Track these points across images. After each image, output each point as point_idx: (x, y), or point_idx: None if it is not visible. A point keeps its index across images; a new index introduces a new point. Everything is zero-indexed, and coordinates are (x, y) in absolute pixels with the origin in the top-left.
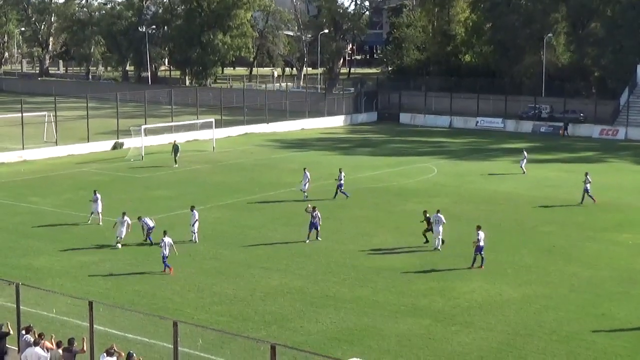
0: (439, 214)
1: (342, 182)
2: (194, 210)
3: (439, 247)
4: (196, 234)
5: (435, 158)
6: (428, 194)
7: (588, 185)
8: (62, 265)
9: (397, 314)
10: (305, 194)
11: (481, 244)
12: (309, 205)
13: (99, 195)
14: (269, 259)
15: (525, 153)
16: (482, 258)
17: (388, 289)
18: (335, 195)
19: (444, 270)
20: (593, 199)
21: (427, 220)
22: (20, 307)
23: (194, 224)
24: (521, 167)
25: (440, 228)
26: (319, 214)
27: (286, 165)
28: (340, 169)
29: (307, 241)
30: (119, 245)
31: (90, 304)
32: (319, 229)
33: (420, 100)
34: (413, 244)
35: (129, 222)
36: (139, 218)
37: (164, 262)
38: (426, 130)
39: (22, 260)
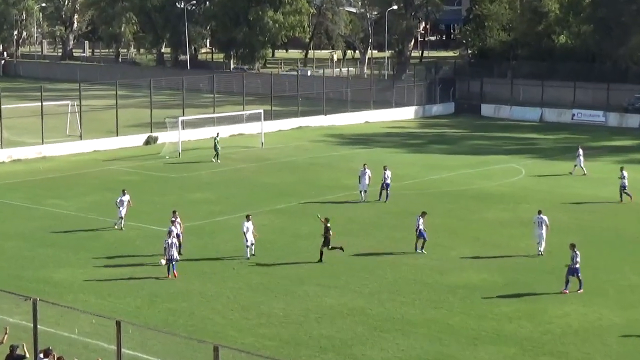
0: (541, 215)
1: (388, 181)
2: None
3: (542, 252)
4: (251, 247)
5: (522, 157)
6: (514, 199)
7: (625, 182)
8: (86, 279)
9: (476, 341)
10: (363, 195)
11: (577, 265)
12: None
13: (127, 197)
14: (325, 274)
15: (580, 150)
16: (580, 281)
17: (466, 312)
18: (383, 196)
19: (533, 293)
20: (630, 195)
21: (327, 230)
22: (38, 326)
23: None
24: (580, 166)
25: (544, 231)
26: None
27: (347, 165)
28: (385, 167)
29: (420, 251)
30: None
31: (118, 323)
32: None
33: (506, 89)
34: (495, 257)
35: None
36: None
37: (171, 264)
38: (512, 124)
39: (40, 272)
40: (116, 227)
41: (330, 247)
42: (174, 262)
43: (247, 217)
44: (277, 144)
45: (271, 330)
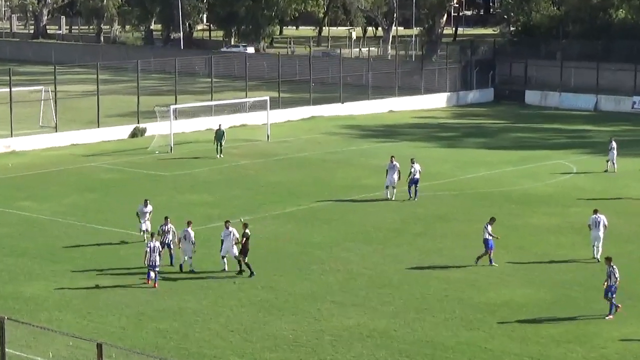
0: (598, 215)
1: (417, 175)
2: (229, 227)
3: (598, 258)
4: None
5: (573, 153)
6: (563, 202)
7: None
8: (62, 294)
9: None
10: (389, 192)
11: (614, 284)
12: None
13: (150, 207)
14: (342, 290)
15: (613, 142)
16: (612, 304)
17: (506, 333)
18: (413, 194)
19: (585, 313)
20: None
21: (245, 238)
22: (6, 349)
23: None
24: (612, 162)
25: (601, 233)
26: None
27: (367, 161)
28: (412, 160)
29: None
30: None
31: (99, 346)
32: None
33: (555, 72)
34: (542, 270)
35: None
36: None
37: (154, 272)
38: (562, 114)
39: (8, 286)
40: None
41: (244, 259)
42: (156, 270)
43: (226, 224)
44: (285, 136)
45: (278, 355)
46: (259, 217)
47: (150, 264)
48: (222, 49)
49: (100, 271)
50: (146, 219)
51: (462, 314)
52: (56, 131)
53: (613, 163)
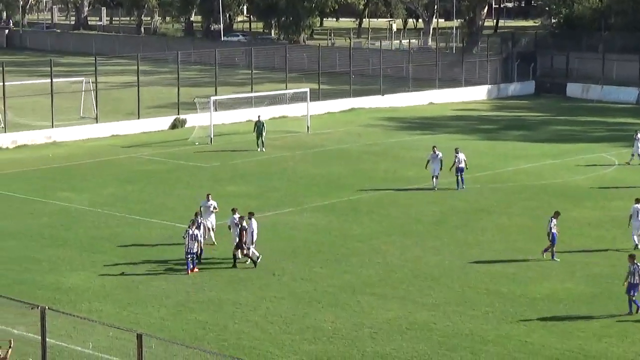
0: (639, 205)
1: (462, 164)
2: (252, 219)
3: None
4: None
5: (615, 146)
6: (604, 195)
7: None
8: (102, 285)
9: None
10: (435, 182)
11: (638, 282)
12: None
13: (213, 202)
14: (382, 283)
15: (639, 134)
16: (632, 302)
17: (546, 327)
18: (459, 184)
19: (626, 311)
20: None
21: (243, 230)
22: (47, 339)
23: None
24: (638, 154)
25: None
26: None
27: (407, 153)
28: (456, 149)
29: (554, 258)
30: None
31: (139, 337)
32: None
33: (596, 65)
34: (583, 263)
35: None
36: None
37: (190, 258)
38: (604, 106)
39: (49, 276)
40: (214, 243)
41: (244, 253)
42: (192, 255)
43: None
44: (325, 128)
45: (317, 347)
46: (299, 209)
47: (187, 250)
48: (222, 39)
49: (140, 261)
50: (210, 215)
51: (502, 307)
52: (97, 122)
53: (638, 155)
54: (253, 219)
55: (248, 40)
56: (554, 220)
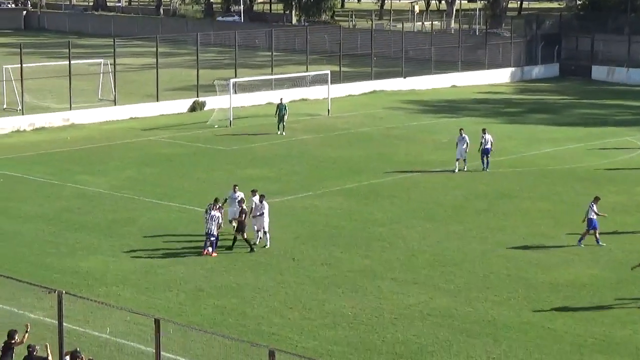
0: None
1: (488, 145)
2: (264, 202)
3: None
4: (267, 235)
5: None
6: (630, 180)
7: None
8: (120, 269)
9: (582, 349)
10: (459, 164)
11: None
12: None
13: (240, 194)
14: (403, 268)
15: None
16: None
17: (570, 314)
18: (485, 165)
19: None
20: None
21: (240, 213)
22: (64, 323)
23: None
24: None
25: None
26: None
27: (429, 137)
28: (484, 130)
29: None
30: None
31: (157, 322)
32: None
33: (622, 47)
34: (607, 249)
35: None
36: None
37: (209, 241)
38: (629, 89)
39: (66, 260)
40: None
41: (243, 235)
42: (211, 239)
43: (261, 198)
44: (346, 111)
45: (337, 333)
46: (319, 192)
47: (207, 231)
48: (218, 19)
49: (159, 245)
50: (236, 207)
51: (525, 293)
52: (115, 105)
53: None
54: (265, 202)
55: (242, 22)
56: (595, 206)
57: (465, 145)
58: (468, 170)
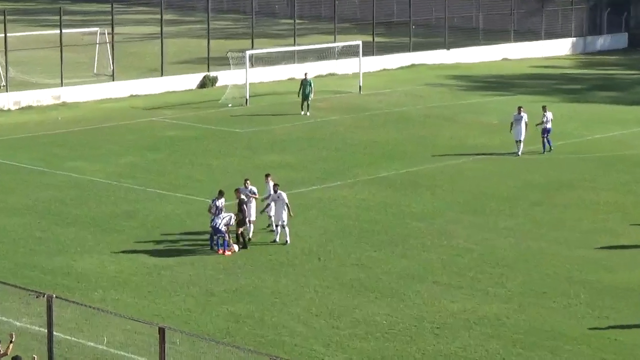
0: None
1: (549, 125)
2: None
3: None
4: (286, 230)
5: None
6: None
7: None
8: (118, 270)
9: None
10: (518, 146)
11: None
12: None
13: (252, 188)
14: (446, 269)
15: None
16: None
17: None
18: (546, 147)
19: None
20: None
21: (239, 206)
22: (54, 332)
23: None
24: None
25: None
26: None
27: (476, 118)
28: (544, 107)
29: None
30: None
31: (162, 331)
32: None
33: None
34: None
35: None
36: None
37: (218, 238)
38: None
39: (57, 260)
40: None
41: (240, 230)
42: (221, 235)
43: (275, 188)
44: (380, 88)
45: (370, 345)
46: (349, 182)
47: (214, 225)
48: None
49: (163, 242)
50: (249, 204)
51: (588, 299)
52: (113, 80)
53: None
54: (281, 191)
55: None
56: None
57: (524, 125)
58: (524, 154)
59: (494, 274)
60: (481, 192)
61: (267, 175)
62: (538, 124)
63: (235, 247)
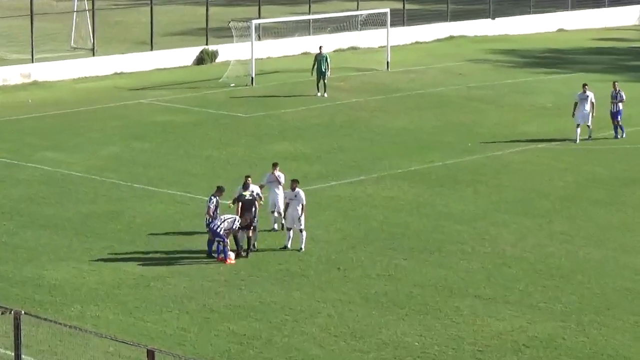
0: None
1: (620, 107)
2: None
3: None
4: (303, 234)
5: None
6: None
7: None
8: (99, 281)
9: None
10: (580, 131)
11: None
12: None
13: (254, 188)
14: (490, 281)
15: None
16: None
17: None
18: (618, 132)
19: None
20: None
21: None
22: (22, 355)
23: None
24: None
25: None
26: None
27: (527, 100)
28: (614, 83)
29: None
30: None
31: (151, 354)
32: None
33: None
34: None
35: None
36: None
37: (218, 244)
38: None
39: (27, 269)
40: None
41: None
42: (218, 240)
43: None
44: (412, 64)
45: None
46: (375, 177)
47: (214, 228)
48: None
49: (152, 248)
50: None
51: None
52: (93, 55)
53: None
54: (299, 189)
55: None
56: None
57: (589, 107)
58: (593, 139)
59: (548, 286)
60: (533, 189)
61: (274, 165)
62: (614, 102)
63: (232, 256)
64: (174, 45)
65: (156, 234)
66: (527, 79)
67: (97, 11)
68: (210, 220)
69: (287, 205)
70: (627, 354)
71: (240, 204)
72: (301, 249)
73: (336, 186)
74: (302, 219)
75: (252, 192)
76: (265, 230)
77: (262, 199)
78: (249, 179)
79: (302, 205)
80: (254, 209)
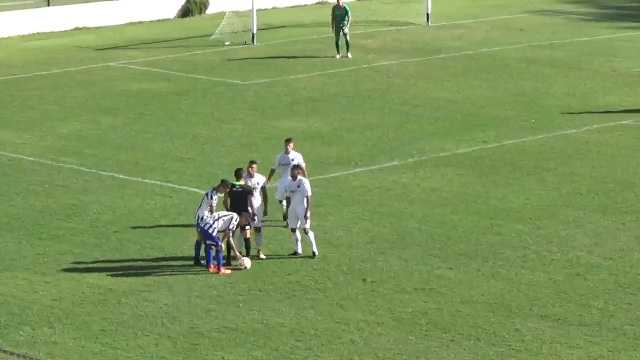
0: None
1: None
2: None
3: None
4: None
5: None
6: None
7: None
8: (56, 297)
9: None
10: None
11: None
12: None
13: (258, 178)
14: (559, 297)
15: None
16: None
17: None
18: None
19: None
20: None
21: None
22: None
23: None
24: None
25: None
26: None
27: (607, 63)
28: None
29: None
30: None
31: None
32: None
33: None
34: None
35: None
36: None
37: (209, 248)
38: None
39: None
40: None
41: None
42: (215, 244)
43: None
44: (458, 18)
45: None
46: (409, 162)
47: (203, 226)
48: None
49: (123, 253)
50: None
51: None
52: (48, 5)
53: None
54: (302, 177)
55: None
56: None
57: None
58: None
59: (634, 304)
60: (614, 179)
61: (287, 141)
62: None
63: (247, 262)
64: None
65: (129, 236)
66: (607, 36)
67: None
68: (200, 215)
69: (288, 200)
70: None
71: (228, 197)
72: (314, 254)
73: (361, 174)
74: (308, 216)
75: (251, 182)
76: (270, 225)
77: (265, 192)
78: (254, 165)
79: (307, 198)
80: (253, 204)
